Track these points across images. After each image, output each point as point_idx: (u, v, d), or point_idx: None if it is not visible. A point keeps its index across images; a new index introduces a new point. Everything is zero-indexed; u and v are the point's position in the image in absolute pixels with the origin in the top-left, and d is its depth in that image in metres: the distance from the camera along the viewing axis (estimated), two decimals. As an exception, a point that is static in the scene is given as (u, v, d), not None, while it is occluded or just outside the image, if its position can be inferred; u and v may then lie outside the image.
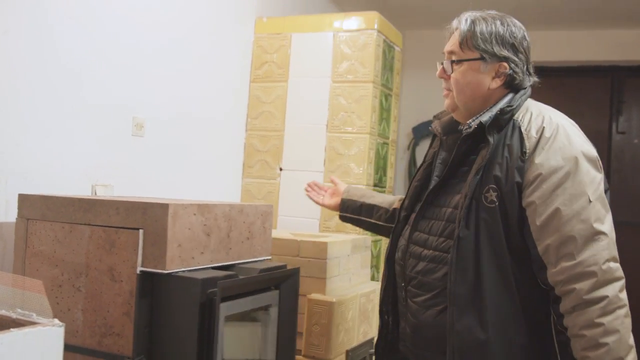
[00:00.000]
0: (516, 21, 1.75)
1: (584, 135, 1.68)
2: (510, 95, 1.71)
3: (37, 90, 2.18)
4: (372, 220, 2.18)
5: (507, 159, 1.62)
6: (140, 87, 2.66)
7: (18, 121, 2.12)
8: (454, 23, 1.76)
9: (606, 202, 1.60)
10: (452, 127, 1.82)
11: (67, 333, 1.83)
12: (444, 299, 1.67)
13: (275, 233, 2.82)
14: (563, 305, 1.55)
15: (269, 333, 2.10)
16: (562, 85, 5.36)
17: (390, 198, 2.21)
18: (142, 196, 2.29)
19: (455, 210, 1.69)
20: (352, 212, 2.23)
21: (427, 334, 1.73)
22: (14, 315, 1.57)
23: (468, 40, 1.70)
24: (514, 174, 1.60)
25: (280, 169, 3.33)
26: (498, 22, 1.70)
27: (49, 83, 2.22)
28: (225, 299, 1.83)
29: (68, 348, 1.82)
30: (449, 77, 1.76)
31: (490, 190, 1.61)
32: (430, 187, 1.80)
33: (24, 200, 1.95)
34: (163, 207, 1.74)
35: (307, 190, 2.42)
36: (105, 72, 2.47)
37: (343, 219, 2.29)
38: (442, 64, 1.78)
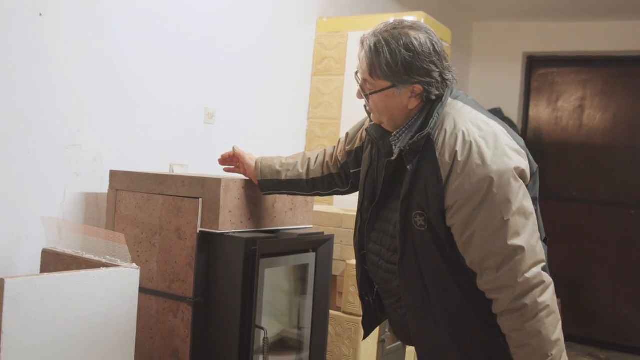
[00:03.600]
0: (423, 29, 1.70)
1: (504, 142, 1.65)
2: (427, 110, 1.71)
3: (127, 86, 2.69)
4: (295, 192, 2.25)
5: (426, 185, 1.67)
6: (212, 81, 3.14)
7: (111, 112, 2.64)
8: (360, 46, 1.74)
9: (526, 209, 1.63)
10: (385, 130, 1.84)
11: (145, 279, 2.33)
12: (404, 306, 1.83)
13: (327, 208, 3.25)
14: (493, 308, 1.68)
15: (307, 289, 2.52)
16: (626, 75, 5.48)
17: (304, 166, 2.21)
18: (208, 174, 2.77)
19: (395, 227, 1.78)
20: (273, 189, 2.25)
21: (401, 330, 1.93)
22: (103, 260, 2.07)
23: (376, 70, 1.68)
24: (434, 201, 1.66)
25: (337, 153, 3.75)
26: (402, 44, 1.65)
27: (135, 80, 2.73)
28: (267, 255, 2.28)
29: (146, 291, 2.33)
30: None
31: (418, 216, 1.69)
32: (375, 199, 1.86)
33: (114, 175, 2.47)
34: (217, 181, 2.20)
35: (221, 164, 2.41)
36: (183, 69, 2.96)
37: (266, 194, 2.32)
38: (360, 88, 1.79)
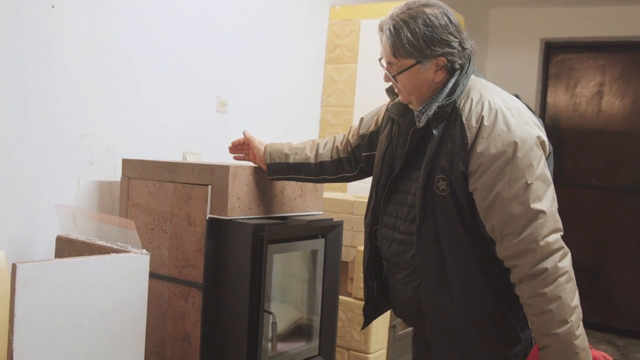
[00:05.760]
0: (437, 6, 1.77)
1: (526, 114, 1.74)
2: (452, 82, 1.78)
3: (140, 75, 2.74)
4: (302, 176, 2.28)
5: (452, 149, 1.72)
6: (224, 70, 3.17)
7: (124, 101, 2.68)
8: (380, 32, 1.79)
9: (547, 176, 1.69)
10: (406, 108, 1.90)
11: (157, 265, 2.38)
12: (418, 276, 1.84)
13: (338, 195, 3.27)
14: (512, 277, 1.71)
15: (316, 275, 2.55)
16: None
17: (313, 150, 2.26)
18: (220, 162, 2.80)
19: (414, 197, 1.81)
20: (281, 173, 2.29)
21: (410, 306, 1.91)
22: (115, 246, 2.11)
23: (400, 50, 1.74)
24: (458, 164, 1.71)
25: (350, 141, 3.77)
26: (420, 22, 1.72)
27: (147, 70, 2.77)
28: (276, 241, 2.31)
29: (158, 277, 2.37)
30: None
31: (440, 180, 1.74)
32: (393, 173, 1.90)
33: (126, 164, 2.51)
34: (225, 168, 2.23)
35: (231, 152, 2.46)
36: (195, 58, 3.00)
37: (273, 179, 2.34)
38: (385, 69, 1.85)
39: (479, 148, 1.68)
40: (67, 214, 2.38)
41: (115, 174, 2.65)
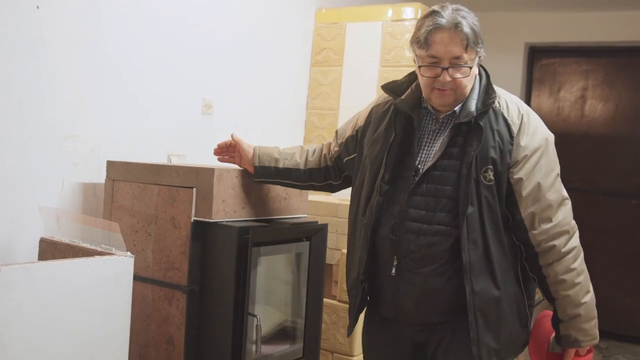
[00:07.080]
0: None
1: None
2: (484, 79, 1.93)
3: (125, 77, 2.73)
4: (290, 181, 2.31)
5: (500, 143, 1.87)
6: (210, 72, 3.17)
7: (109, 103, 2.67)
8: (448, 25, 1.82)
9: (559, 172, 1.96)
10: (416, 103, 1.97)
11: (141, 268, 2.37)
12: (451, 267, 1.89)
13: (323, 198, 3.28)
14: (545, 258, 1.89)
15: (301, 278, 2.56)
16: (628, 65, 5.47)
17: (303, 156, 2.29)
18: (205, 164, 2.80)
19: (452, 188, 1.88)
20: (269, 177, 2.31)
21: (438, 299, 1.92)
22: (99, 249, 2.10)
23: (471, 43, 1.84)
24: (506, 156, 1.87)
25: (336, 144, 3.78)
26: (473, 16, 1.88)
27: (133, 71, 2.77)
28: (260, 244, 2.31)
29: (142, 279, 2.37)
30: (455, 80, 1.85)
31: (489, 171, 1.86)
32: (423, 167, 1.91)
33: (111, 165, 2.51)
34: (210, 171, 2.23)
35: (216, 154, 2.46)
36: (181, 60, 2.99)
37: (259, 182, 2.36)
38: (446, 69, 1.83)
39: (523, 142, 1.88)
40: (51, 216, 2.36)
41: (99, 176, 2.63)
